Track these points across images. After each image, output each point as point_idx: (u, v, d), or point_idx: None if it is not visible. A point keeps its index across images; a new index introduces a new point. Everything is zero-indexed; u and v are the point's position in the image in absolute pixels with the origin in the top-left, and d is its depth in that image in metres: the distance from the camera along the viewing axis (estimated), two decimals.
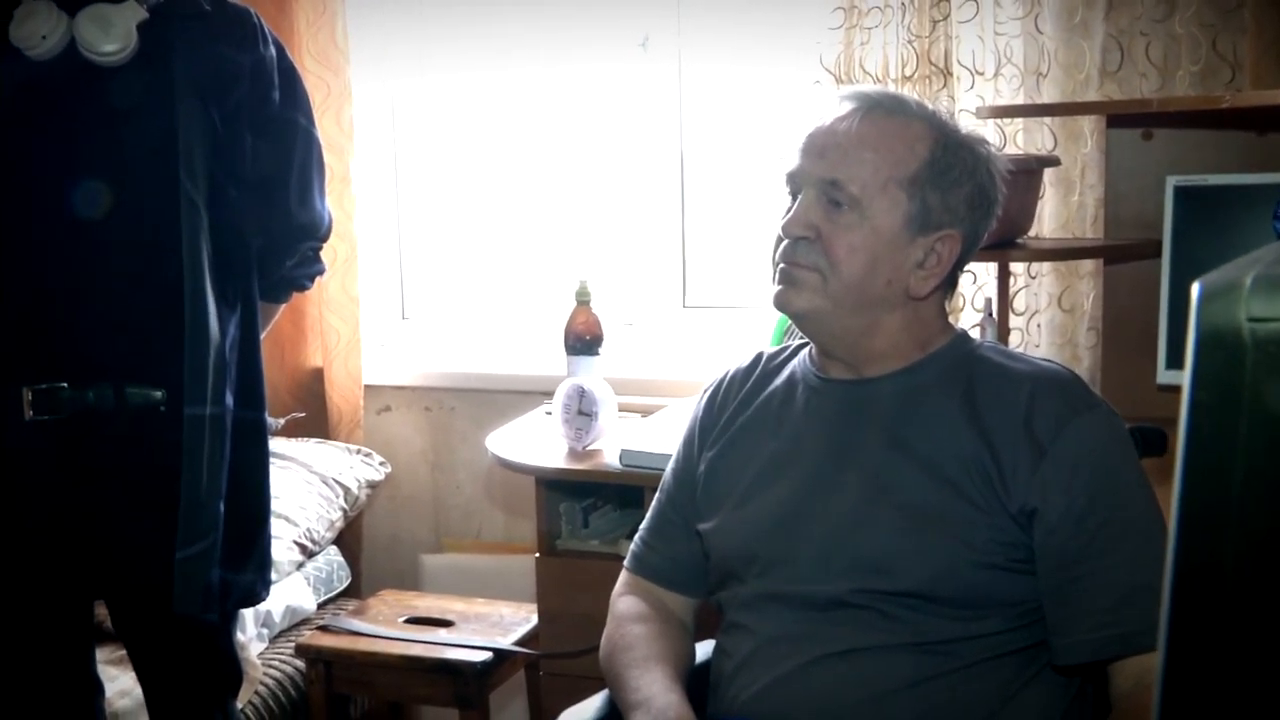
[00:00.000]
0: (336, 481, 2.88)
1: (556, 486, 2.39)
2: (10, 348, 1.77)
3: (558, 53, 2.99)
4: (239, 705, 2.03)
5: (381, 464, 3.03)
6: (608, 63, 2.94)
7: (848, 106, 1.42)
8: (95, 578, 1.81)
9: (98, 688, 1.97)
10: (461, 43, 3.07)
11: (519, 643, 2.51)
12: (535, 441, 2.46)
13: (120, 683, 2.20)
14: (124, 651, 1.98)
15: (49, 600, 1.85)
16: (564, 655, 2.31)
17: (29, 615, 1.85)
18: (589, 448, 2.37)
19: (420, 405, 3.14)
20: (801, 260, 1.40)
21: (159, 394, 1.76)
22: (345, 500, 2.88)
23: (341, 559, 2.94)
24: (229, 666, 1.94)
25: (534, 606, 2.47)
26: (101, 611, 1.99)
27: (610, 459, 2.29)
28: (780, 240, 1.43)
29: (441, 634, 2.54)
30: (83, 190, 1.73)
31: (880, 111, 1.41)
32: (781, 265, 1.42)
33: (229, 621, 1.92)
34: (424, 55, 3.10)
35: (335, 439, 3.05)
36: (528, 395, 2.87)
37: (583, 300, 2.51)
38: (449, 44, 3.08)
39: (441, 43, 3.08)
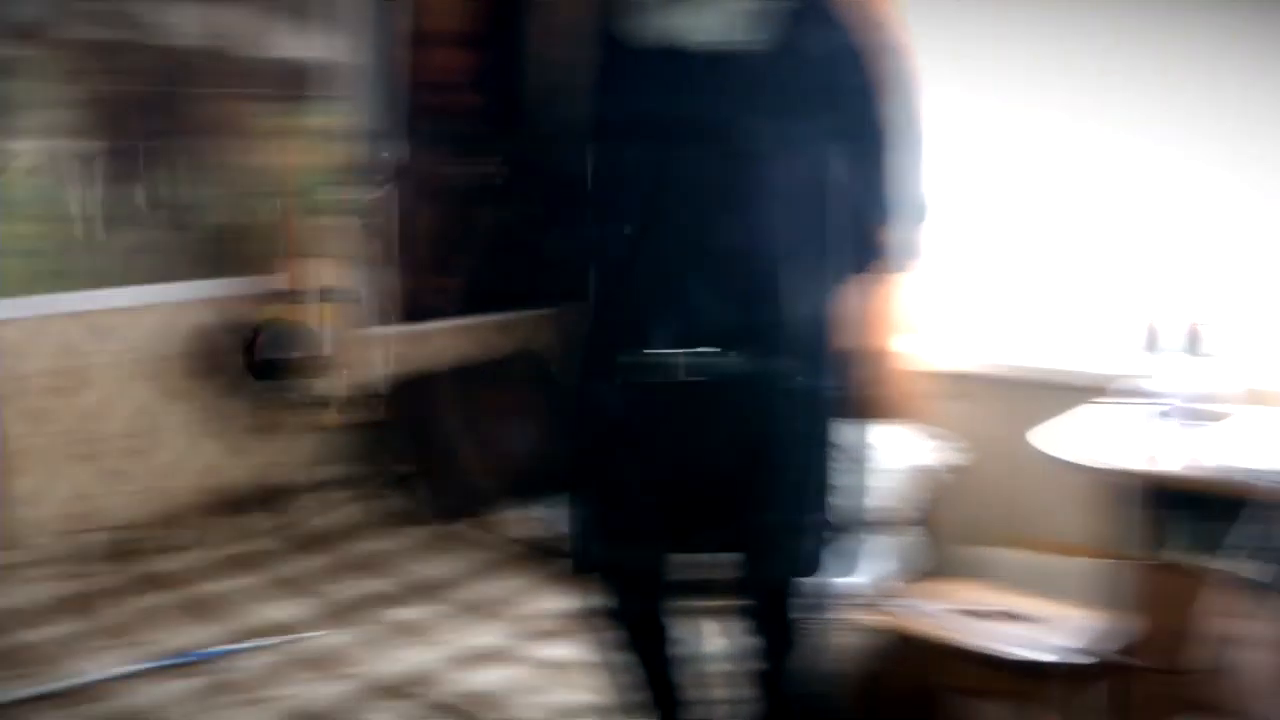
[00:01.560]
0: (913, 464, 2.91)
1: (1152, 494, 2.25)
2: (659, 314, 1.91)
3: None
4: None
5: (959, 449, 3.02)
6: None
7: None
8: (720, 534, 1.94)
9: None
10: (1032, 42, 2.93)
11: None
12: (1116, 440, 2.35)
13: None
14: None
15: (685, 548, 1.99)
16: (1166, 671, 2.18)
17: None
18: (1193, 456, 2.22)
19: (996, 394, 3.07)
20: None
21: (790, 366, 1.85)
22: (921, 483, 2.91)
23: (912, 541, 2.95)
24: (813, 632, 2.02)
25: (1104, 614, 2.36)
26: None
27: (1213, 467, 2.15)
28: None
29: (1019, 630, 2.48)
30: (730, 175, 1.86)
31: None
32: None
33: (824, 588, 2.00)
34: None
35: (908, 421, 3.06)
36: (1082, 391, 2.74)
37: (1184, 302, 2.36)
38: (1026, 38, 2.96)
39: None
